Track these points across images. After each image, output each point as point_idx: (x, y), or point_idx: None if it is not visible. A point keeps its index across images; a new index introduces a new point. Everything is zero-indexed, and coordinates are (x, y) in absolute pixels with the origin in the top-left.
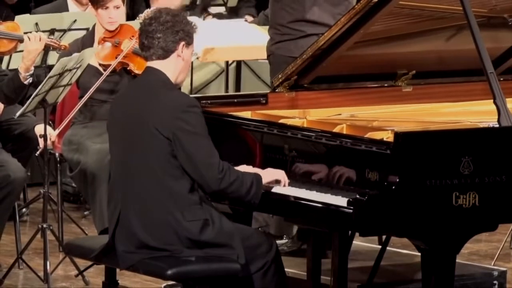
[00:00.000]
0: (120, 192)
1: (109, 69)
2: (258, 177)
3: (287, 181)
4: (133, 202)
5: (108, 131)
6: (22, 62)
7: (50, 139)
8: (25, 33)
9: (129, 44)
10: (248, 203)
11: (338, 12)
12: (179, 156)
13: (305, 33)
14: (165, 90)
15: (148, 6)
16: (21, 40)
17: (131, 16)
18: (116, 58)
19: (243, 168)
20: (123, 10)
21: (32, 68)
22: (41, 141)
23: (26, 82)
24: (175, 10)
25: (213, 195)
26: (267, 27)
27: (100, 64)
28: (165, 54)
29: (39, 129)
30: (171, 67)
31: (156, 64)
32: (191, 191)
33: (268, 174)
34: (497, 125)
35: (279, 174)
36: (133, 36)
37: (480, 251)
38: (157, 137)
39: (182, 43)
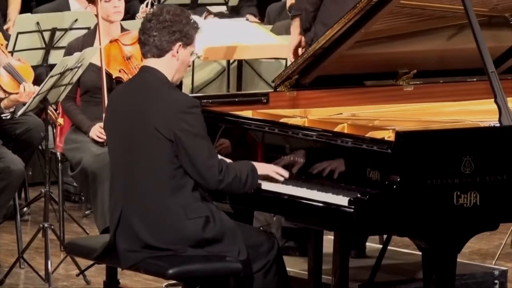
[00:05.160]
0: (121, 191)
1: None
2: (253, 168)
3: (283, 173)
4: (134, 201)
5: (106, 129)
6: (6, 99)
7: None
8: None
9: (136, 64)
10: (245, 194)
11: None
12: (180, 156)
13: None
14: (166, 88)
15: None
16: (19, 82)
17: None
18: (120, 72)
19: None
20: (123, 1)
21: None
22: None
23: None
24: (177, 9)
25: (212, 192)
26: (269, 26)
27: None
28: (160, 53)
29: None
30: (166, 66)
31: (151, 62)
32: (193, 189)
33: (261, 167)
34: (498, 125)
35: (269, 169)
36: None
37: (481, 250)
38: (158, 138)
39: (179, 43)
